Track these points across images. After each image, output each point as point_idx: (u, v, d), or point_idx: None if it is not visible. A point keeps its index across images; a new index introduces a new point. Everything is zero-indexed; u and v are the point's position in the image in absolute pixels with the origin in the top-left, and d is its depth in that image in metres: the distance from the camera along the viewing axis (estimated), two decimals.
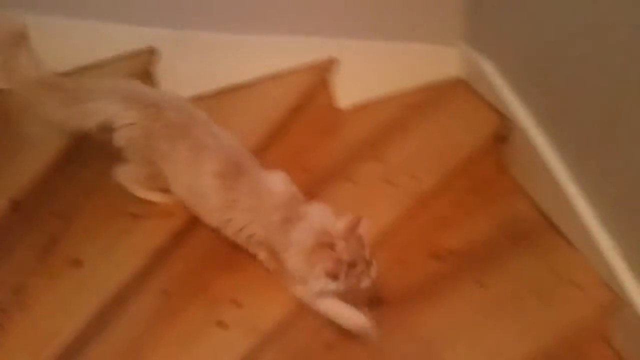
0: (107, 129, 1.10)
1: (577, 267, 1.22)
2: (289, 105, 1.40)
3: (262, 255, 1.13)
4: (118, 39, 1.44)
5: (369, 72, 1.52)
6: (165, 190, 1.18)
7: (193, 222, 1.20)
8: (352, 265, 0.98)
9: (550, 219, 1.34)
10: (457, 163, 1.38)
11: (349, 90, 1.53)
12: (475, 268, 1.28)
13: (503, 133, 1.42)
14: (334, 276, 0.97)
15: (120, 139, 1.10)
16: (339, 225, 1.01)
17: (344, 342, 1.13)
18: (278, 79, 1.48)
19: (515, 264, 1.27)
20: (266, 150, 1.31)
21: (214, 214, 1.09)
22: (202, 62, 1.46)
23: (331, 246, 0.98)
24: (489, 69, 1.44)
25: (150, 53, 1.45)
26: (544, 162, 1.28)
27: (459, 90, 1.53)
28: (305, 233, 1.01)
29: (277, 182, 1.07)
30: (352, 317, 1.05)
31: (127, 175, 1.20)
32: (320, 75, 1.48)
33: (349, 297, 1.03)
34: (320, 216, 1.04)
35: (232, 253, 1.18)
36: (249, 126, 1.35)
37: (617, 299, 1.15)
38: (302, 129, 1.44)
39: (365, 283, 1.01)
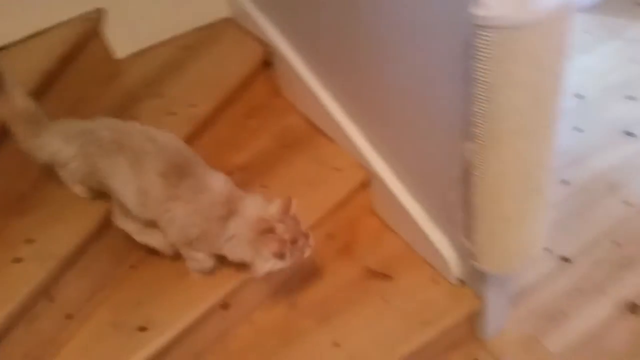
0: (56, 163, 1.18)
1: (337, 156, 1.47)
2: (59, 55, 1.43)
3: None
4: None
5: (143, 21, 1.62)
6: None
7: None
8: (293, 242, 1.07)
9: (315, 125, 1.57)
10: (232, 90, 1.55)
11: (124, 39, 1.61)
12: (259, 175, 1.46)
13: (268, 60, 1.62)
14: (281, 256, 1.05)
15: (69, 172, 1.17)
16: (273, 209, 1.08)
17: (148, 260, 1.24)
18: (46, 34, 1.50)
19: (290, 164, 1.48)
20: (41, 101, 1.32)
21: (157, 207, 1.10)
22: None
23: (272, 230, 1.06)
24: (249, 5, 1.62)
25: None
26: (303, 79, 1.50)
27: (228, 28, 1.71)
28: (244, 224, 1.07)
29: (218, 181, 1.12)
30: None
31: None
32: (90, 26, 1.53)
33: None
34: (254, 207, 1.10)
35: (23, 198, 1.22)
36: (20, 78, 1.35)
37: (369, 174, 1.41)
38: (78, 81, 1.49)
39: (307, 253, 1.11)
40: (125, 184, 1.10)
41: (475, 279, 1.25)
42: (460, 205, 1.06)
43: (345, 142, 1.44)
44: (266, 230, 1.06)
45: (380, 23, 1.06)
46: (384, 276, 1.36)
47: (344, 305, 1.32)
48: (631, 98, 2.21)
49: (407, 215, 1.31)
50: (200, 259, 1.18)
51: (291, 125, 1.59)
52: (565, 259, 1.64)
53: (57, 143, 1.16)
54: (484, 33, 0.74)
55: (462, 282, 1.31)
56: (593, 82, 2.34)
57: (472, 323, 1.33)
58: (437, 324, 1.23)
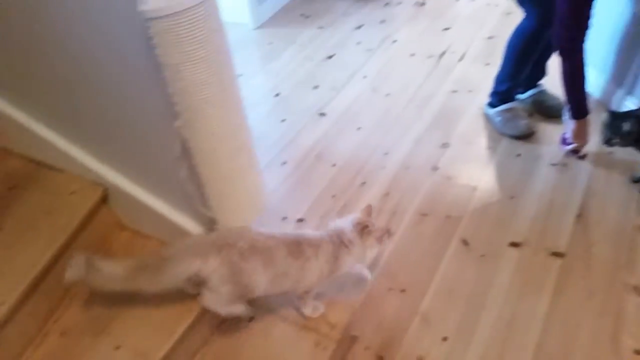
0: (194, 280, 1.29)
1: (70, 182, 1.51)
2: None
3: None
4: None
5: None
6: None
7: None
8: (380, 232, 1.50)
9: (38, 161, 1.58)
10: None
11: None
12: None
13: None
14: (380, 240, 1.49)
15: (211, 280, 1.29)
16: (361, 214, 1.51)
17: None
18: None
19: (23, 202, 1.47)
20: None
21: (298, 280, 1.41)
22: None
23: (366, 227, 1.45)
24: None
25: None
26: (16, 120, 1.50)
27: None
28: (349, 233, 1.45)
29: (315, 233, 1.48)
30: None
31: (213, 301, 1.34)
32: None
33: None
34: (344, 222, 1.49)
35: None
36: None
37: (107, 188, 1.50)
38: None
39: (387, 239, 1.56)
40: (260, 278, 1.34)
41: None
42: (189, 179, 1.23)
43: (74, 167, 1.50)
44: (363, 229, 1.45)
45: (69, 46, 1.17)
46: None
47: (116, 313, 1.37)
48: (316, 87, 2.72)
49: (153, 214, 1.44)
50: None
51: (13, 168, 1.57)
52: (300, 220, 1.96)
53: (194, 265, 1.28)
54: (154, 24, 0.94)
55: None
56: (285, 81, 2.80)
57: None
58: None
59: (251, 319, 1.49)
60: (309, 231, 1.50)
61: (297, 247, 1.38)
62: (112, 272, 1.25)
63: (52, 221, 1.39)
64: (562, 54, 1.77)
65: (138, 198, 1.43)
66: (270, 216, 1.42)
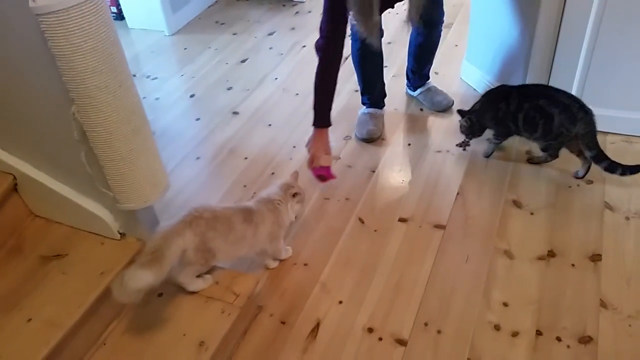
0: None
1: None
2: None
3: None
4: None
5: None
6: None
7: None
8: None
9: None
10: None
11: None
12: None
13: None
14: (301, 200, 1.79)
15: (189, 251, 1.46)
16: (289, 179, 1.79)
17: None
18: None
19: None
20: None
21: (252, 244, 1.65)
22: None
23: (292, 188, 1.75)
24: None
25: None
26: None
27: None
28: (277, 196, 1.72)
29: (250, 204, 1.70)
30: None
31: (186, 276, 1.52)
32: None
33: None
34: (272, 188, 1.76)
35: None
36: None
37: (16, 178, 1.57)
38: None
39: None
40: (224, 243, 1.54)
41: (130, 226, 1.56)
42: (89, 162, 1.35)
43: None
44: (289, 189, 1.73)
45: None
46: (59, 256, 1.55)
47: (28, 291, 1.45)
48: (230, 88, 2.87)
49: (61, 199, 1.53)
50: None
51: None
52: None
53: (179, 244, 1.42)
54: (44, 19, 1.06)
55: (123, 234, 1.60)
56: (200, 83, 2.93)
57: None
58: (111, 272, 1.49)
59: (160, 294, 1.61)
60: (247, 202, 1.71)
61: (249, 214, 1.61)
62: (135, 275, 1.33)
63: None
64: (317, 53, 1.89)
65: (45, 185, 1.52)
66: (185, 206, 1.56)
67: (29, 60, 1.22)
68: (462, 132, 2.17)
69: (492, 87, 2.41)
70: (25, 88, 1.31)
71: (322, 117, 1.99)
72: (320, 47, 1.88)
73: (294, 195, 1.75)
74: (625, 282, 1.67)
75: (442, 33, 2.41)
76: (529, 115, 1.98)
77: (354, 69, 2.34)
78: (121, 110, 1.23)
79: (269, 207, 1.68)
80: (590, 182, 2.03)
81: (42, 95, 1.29)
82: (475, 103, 2.14)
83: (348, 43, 1.96)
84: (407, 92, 2.62)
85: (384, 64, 2.71)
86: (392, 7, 1.97)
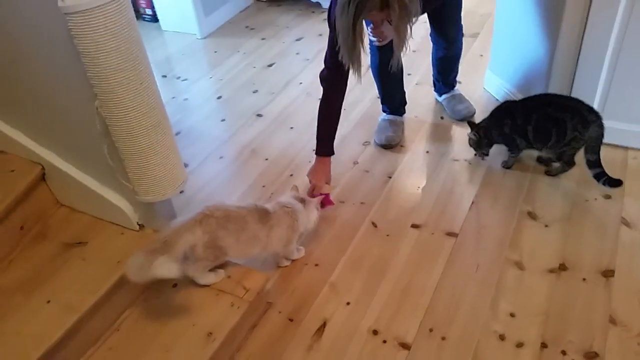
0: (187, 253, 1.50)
1: (10, 161, 1.67)
2: None
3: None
4: None
5: None
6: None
7: None
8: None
9: None
10: None
11: None
12: None
13: None
14: (317, 207, 1.82)
15: (198, 247, 1.51)
16: (292, 192, 1.84)
17: None
18: None
19: None
20: None
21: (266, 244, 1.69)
22: None
23: (303, 199, 1.80)
24: None
25: None
26: None
27: None
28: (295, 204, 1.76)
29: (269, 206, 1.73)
30: None
31: (196, 270, 1.58)
32: None
33: None
34: (286, 197, 1.79)
35: None
36: None
37: (43, 167, 1.66)
38: None
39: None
40: (235, 241, 1.60)
41: (149, 218, 1.64)
42: (111, 154, 1.42)
43: (16, 148, 1.66)
44: (302, 200, 1.78)
45: (4, 40, 1.35)
46: (80, 244, 1.63)
47: (49, 275, 1.53)
48: (255, 91, 2.94)
49: (84, 189, 1.61)
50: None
51: None
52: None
53: (186, 239, 1.49)
54: (71, 18, 1.14)
55: (142, 226, 1.68)
56: (228, 86, 3.01)
57: None
58: None
59: (175, 285, 1.67)
60: (266, 204, 1.75)
61: (265, 215, 1.66)
62: (165, 264, 1.42)
63: None
64: (321, 83, 1.96)
65: (71, 175, 1.60)
66: (205, 202, 1.63)
67: (57, 56, 1.30)
68: (470, 145, 2.18)
69: (513, 97, 2.41)
70: (53, 83, 1.39)
71: (325, 146, 2.04)
72: (324, 78, 1.95)
73: (305, 201, 1.81)
74: (637, 300, 1.65)
75: (468, 43, 2.43)
76: (540, 126, 1.98)
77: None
78: (141, 107, 1.30)
79: (286, 211, 1.73)
80: (608, 197, 2.01)
81: (68, 90, 1.37)
82: (484, 119, 2.15)
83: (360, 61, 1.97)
84: (435, 97, 2.64)
85: (408, 72, 2.75)
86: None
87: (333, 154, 2.06)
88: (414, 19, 1.66)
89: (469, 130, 2.18)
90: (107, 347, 1.51)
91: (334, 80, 1.91)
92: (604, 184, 1.96)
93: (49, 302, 1.44)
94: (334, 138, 2.03)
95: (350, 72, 1.82)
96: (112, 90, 1.23)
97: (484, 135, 2.11)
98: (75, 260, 1.56)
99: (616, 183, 1.95)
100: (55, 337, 1.36)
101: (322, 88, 1.96)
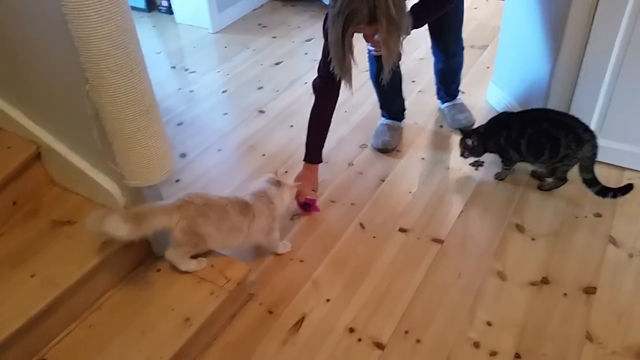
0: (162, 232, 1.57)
1: (7, 139, 1.71)
2: None
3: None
4: None
5: None
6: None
7: None
8: None
9: None
10: None
11: None
12: None
13: None
14: (292, 190, 1.85)
15: (174, 233, 1.57)
16: (272, 174, 1.84)
17: None
18: None
19: None
20: None
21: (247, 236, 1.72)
22: None
23: (279, 181, 1.82)
24: None
25: None
26: None
27: None
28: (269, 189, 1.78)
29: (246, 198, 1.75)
30: None
31: (177, 255, 1.64)
32: None
33: None
34: (260, 183, 1.81)
35: None
36: None
37: (39, 146, 1.71)
38: None
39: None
40: (215, 231, 1.63)
41: (136, 202, 1.66)
42: (100, 137, 1.46)
43: (13, 126, 1.71)
44: (277, 182, 1.80)
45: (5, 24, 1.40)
46: (68, 222, 1.67)
47: (36, 250, 1.57)
48: (260, 88, 2.98)
49: (76, 170, 1.65)
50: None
51: None
52: None
53: (163, 219, 1.55)
54: (65, 2, 1.17)
55: (129, 209, 1.71)
56: (234, 80, 3.06)
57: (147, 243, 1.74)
58: (113, 242, 1.59)
59: (159, 270, 1.71)
60: (243, 196, 1.78)
61: (246, 207, 1.69)
62: (114, 222, 1.47)
63: None
64: (313, 91, 1.98)
65: (64, 156, 1.64)
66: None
67: (53, 39, 1.34)
68: (462, 150, 2.16)
69: (513, 109, 2.42)
70: (49, 65, 1.44)
71: (313, 154, 2.06)
72: (316, 86, 1.97)
73: (280, 183, 1.82)
74: (615, 318, 1.65)
75: (476, 54, 2.43)
76: (533, 140, 1.99)
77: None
78: (131, 93, 1.33)
79: (264, 201, 1.76)
80: (599, 215, 2.01)
81: (63, 73, 1.41)
82: (481, 125, 2.15)
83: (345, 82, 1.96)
84: (438, 105, 2.66)
85: (412, 79, 2.77)
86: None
87: (321, 161, 2.08)
88: (404, 35, 1.67)
89: (460, 137, 2.18)
90: (87, 324, 1.55)
91: (326, 89, 1.94)
92: (613, 197, 1.95)
93: (33, 276, 1.48)
94: (322, 146, 2.06)
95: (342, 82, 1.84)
96: (102, 76, 1.27)
97: (480, 141, 2.11)
98: (63, 238, 1.60)
99: (627, 189, 1.94)
100: (36, 309, 1.40)
101: (314, 96, 1.97)
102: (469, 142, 2.12)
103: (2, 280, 1.46)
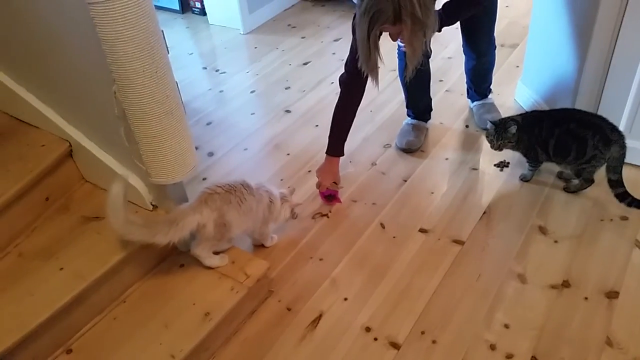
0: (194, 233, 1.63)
1: (42, 137, 1.81)
2: None
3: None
4: None
5: None
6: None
7: None
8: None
9: (18, 118, 1.88)
10: None
11: None
12: None
13: None
14: (292, 210, 1.95)
15: (207, 227, 1.62)
16: (286, 191, 1.94)
17: None
18: None
19: (1, 150, 1.77)
20: None
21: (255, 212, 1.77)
22: None
23: (286, 199, 1.92)
24: None
25: None
26: (6, 88, 1.79)
27: None
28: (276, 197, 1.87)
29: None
30: None
31: (203, 250, 1.69)
32: None
33: None
34: (274, 188, 1.89)
35: None
36: None
37: (71, 144, 1.80)
38: None
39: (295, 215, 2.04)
40: (239, 218, 1.70)
41: (161, 199, 1.73)
42: (127, 136, 1.53)
43: (47, 125, 1.79)
44: (283, 199, 1.89)
45: (38, 26, 1.48)
46: (97, 218, 1.75)
47: (66, 245, 1.65)
48: (287, 88, 3.02)
49: (105, 168, 1.73)
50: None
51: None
52: None
53: (194, 218, 1.60)
54: (93, 7, 1.24)
55: (155, 206, 1.78)
56: (262, 81, 3.11)
57: None
58: None
59: (182, 265, 1.77)
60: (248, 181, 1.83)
61: (252, 189, 1.76)
62: (133, 219, 1.53)
63: (22, 165, 1.67)
64: (340, 86, 1.99)
65: (94, 154, 1.72)
66: None
67: (83, 42, 1.41)
68: (498, 136, 2.06)
69: (540, 109, 2.38)
70: (80, 66, 1.51)
71: (335, 147, 2.08)
72: (343, 82, 1.98)
73: (286, 200, 1.92)
74: (638, 324, 1.62)
75: (506, 53, 2.40)
76: (561, 140, 1.95)
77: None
78: (156, 94, 1.39)
79: (266, 195, 1.83)
80: (625, 218, 1.97)
81: (92, 74, 1.48)
82: (516, 115, 2.09)
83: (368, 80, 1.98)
84: (468, 103, 2.65)
85: (440, 79, 2.76)
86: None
87: (342, 155, 2.10)
88: (430, 34, 1.67)
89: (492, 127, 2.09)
90: (112, 316, 1.62)
91: (352, 85, 1.95)
92: (628, 205, 1.92)
93: (61, 269, 1.56)
94: (344, 141, 2.08)
95: (369, 79, 1.86)
96: (128, 77, 1.33)
97: (517, 131, 2.03)
98: (91, 233, 1.68)
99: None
100: (63, 300, 1.48)
101: (339, 91, 2.00)
102: (512, 129, 2.02)
103: (33, 272, 1.54)
